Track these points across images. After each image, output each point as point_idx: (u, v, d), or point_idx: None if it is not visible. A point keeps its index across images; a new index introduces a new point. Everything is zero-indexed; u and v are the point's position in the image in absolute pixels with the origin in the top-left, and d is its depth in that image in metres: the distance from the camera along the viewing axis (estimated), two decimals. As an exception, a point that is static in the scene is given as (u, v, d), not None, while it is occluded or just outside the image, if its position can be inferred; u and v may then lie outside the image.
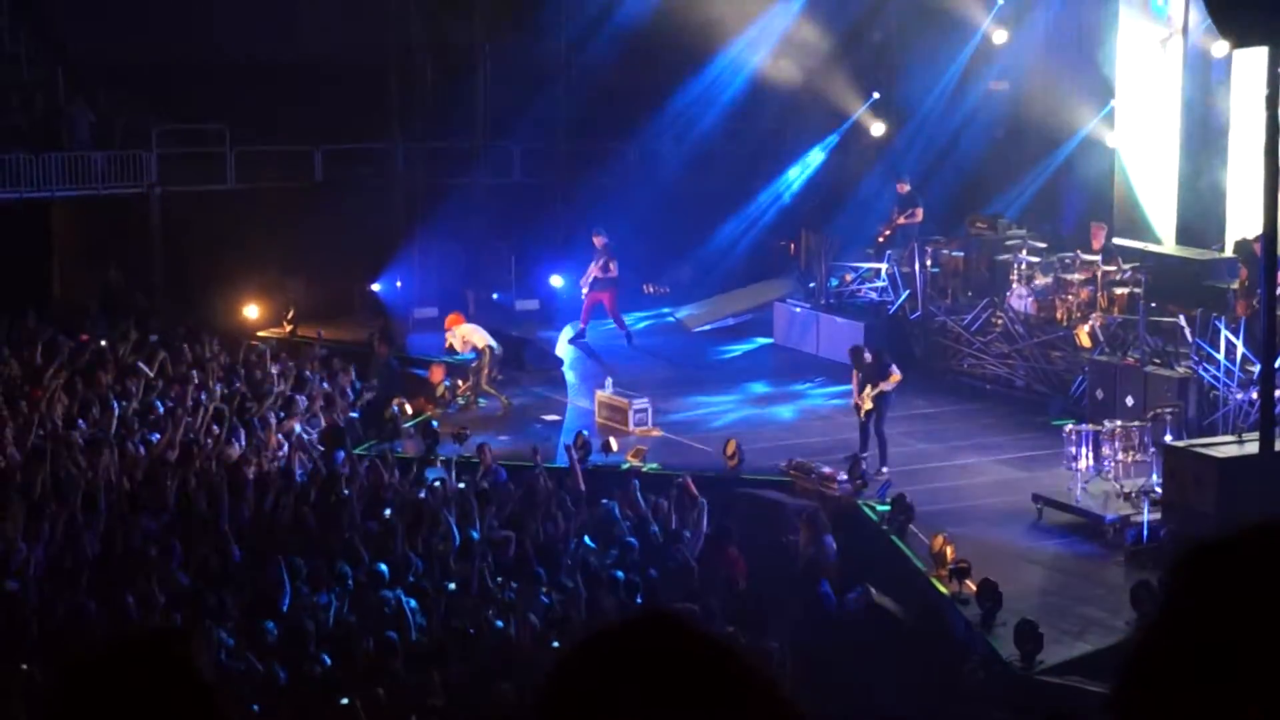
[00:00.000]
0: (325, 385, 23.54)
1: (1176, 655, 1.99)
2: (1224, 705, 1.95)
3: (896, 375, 20.52)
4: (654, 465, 20.80)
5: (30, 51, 31.06)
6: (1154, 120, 25.98)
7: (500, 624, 14.82)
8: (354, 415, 22.87)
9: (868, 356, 20.95)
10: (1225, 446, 17.97)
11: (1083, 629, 15.79)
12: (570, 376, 25.83)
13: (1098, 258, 23.88)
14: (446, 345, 25.19)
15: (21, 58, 31.04)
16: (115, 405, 21.22)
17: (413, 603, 15.09)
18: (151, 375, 22.72)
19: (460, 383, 24.59)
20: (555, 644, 14.48)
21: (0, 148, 29.11)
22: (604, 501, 18.20)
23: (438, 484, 19.12)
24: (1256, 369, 19.37)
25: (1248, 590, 1.99)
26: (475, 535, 17.02)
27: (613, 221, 28.48)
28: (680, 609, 2.15)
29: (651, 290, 29.97)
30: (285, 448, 20.54)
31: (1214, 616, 1.98)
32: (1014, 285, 24.58)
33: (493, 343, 24.62)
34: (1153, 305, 22.46)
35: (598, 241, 27.14)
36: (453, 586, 15.91)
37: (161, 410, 21.45)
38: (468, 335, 24.76)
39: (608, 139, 31.73)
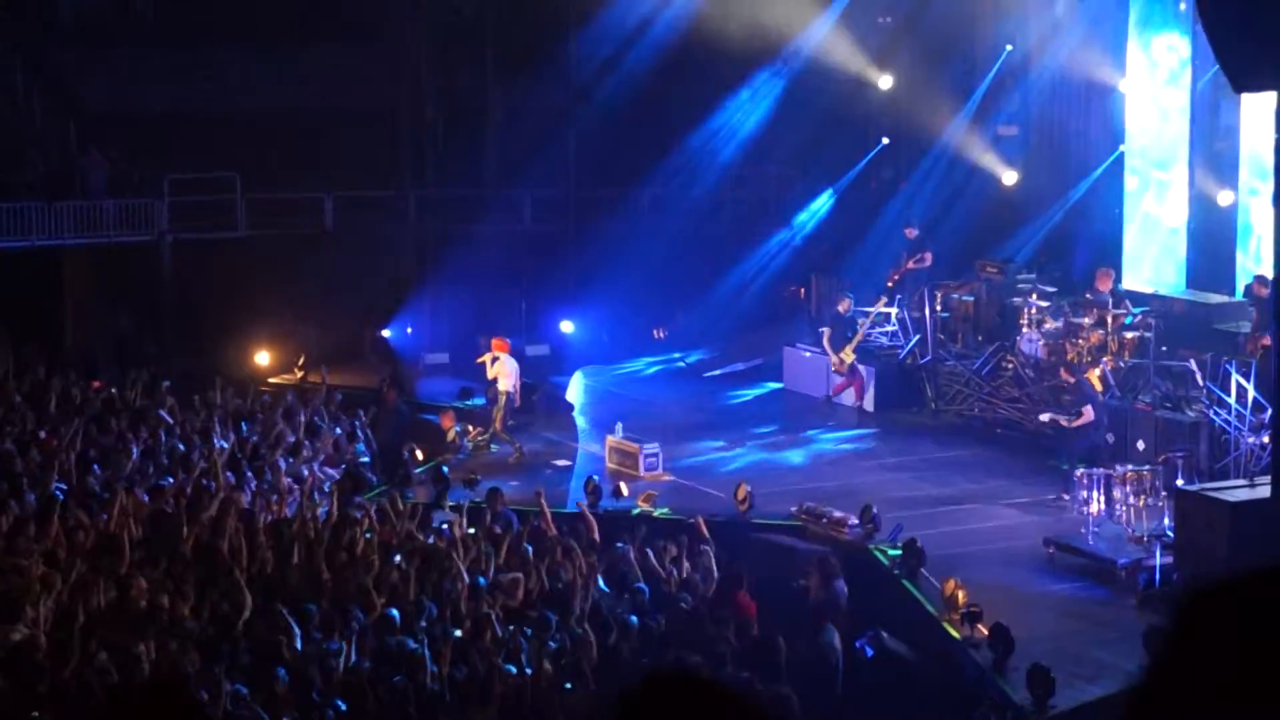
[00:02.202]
0: (337, 431, 23.56)
1: (1181, 697, 2.00)
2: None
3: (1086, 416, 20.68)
4: (665, 510, 20.78)
5: (44, 105, 31.22)
6: (1163, 164, 26.02)
7: (511, 669, 14.79)
8: (365, 461, 22.88)
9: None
10: (1237, 490, 17.93)
11: (1095, 673, 15.73)
12: (581, 421, 25.84)
13: (1108, 302, 23.88)
14: (480, 359, 25.14)
15: (35, 111, 31.20)
16: (135, 450, 21.26)
17: (424, 649, 15.06)
18: (172, 422, 22.77)
19: (470, 429, 24.61)
20: (568, 685, 14.51)
21: (14, 198, 29.24)
22: (618, 545, 18.18)
23: (448, 529, 19.12)
24: (1268, 413, 19.35)
25: (1252, 633, 2.00)
26: (485, 581, 17.00)
27: (623, 267, 28.54)
28: (691, 664, 2.15)
29: (662, 335, 30.04)
30: (297, 493, 20.54)
31: (1218, 659, 1.99)
32: (1024, 329, 24.57)
33: (514, 390, 24.64)
34: (1163, 349, 22.46)
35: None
36: (461, 633, 15.88)
37: (173, 456, 21.47)
38: (503, 368, 24.67)
39: (618, 185, 31.83)
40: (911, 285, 27.00)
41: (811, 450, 23.95)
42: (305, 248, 30.15)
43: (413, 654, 14.82)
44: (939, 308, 26.05)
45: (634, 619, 16.22)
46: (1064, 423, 21.16)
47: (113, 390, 24.61)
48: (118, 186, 30.30)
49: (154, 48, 31.36)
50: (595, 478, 21.14)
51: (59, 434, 21.88)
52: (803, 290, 29.68)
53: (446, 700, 14.16)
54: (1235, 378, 20.48)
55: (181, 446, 21.92)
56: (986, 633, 16.19)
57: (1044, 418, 21.77)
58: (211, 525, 18.40)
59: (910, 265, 27.29)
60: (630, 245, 30.09)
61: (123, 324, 29.89)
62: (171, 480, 20.43)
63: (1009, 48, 28.84)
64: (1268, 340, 21.04)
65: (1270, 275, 19.89)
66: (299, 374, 28.13)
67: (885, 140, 30.76)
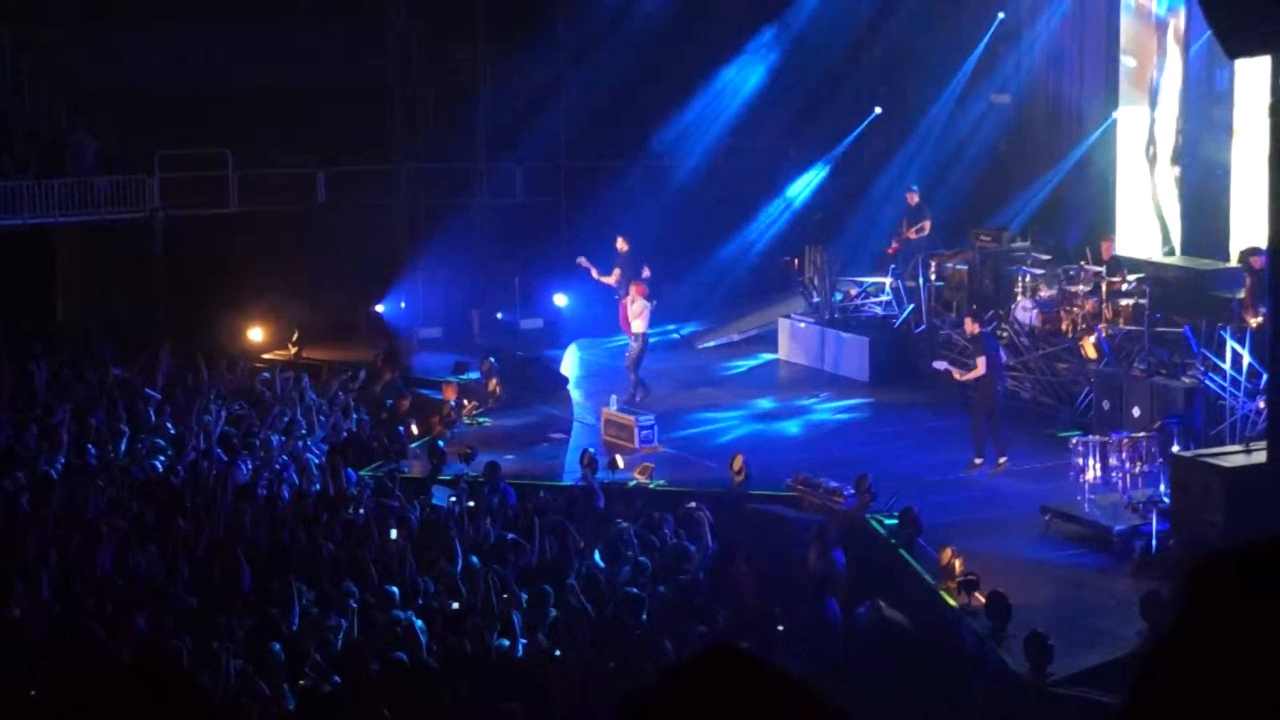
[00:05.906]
0: (335, 402, 23.54)
1: (1188, 668, 1.98)
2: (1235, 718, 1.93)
3: (979, 369, 20.57)
4: (660, 482, 20.78)
5: (33, 82, 31.11)
6: (1157, 130, 25.98)
7: (506, 643, 14.81)
8: (361, 436, 22.85)
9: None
10: (1232, 456, 17.93)
11: (1093, 640, 15.74)
12: (576, 394, 25.82)
13: (1102, 269, 23.88)
14: (627, 300, 24.88)
15: (24, 88, 31.08)
16: (124, 430, 21.22)
17: (420, 623, 15.07)
18: (160, 399, 22.74)
19: (465, 402, 24.59)
20: (557, 652, 14.57)
21: (5, 176, 29.15)
22: (618, 521, 18.17)
23: (449, 502, 19.13)
24: (1263, 379, 19.33)
25: (1259, 603, 1.98)
26: (480, 556, 16.99)
27: (616, 239, 28.47)
28: (741, 646, 2.09)
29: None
30: (293, 469, 20.52)
31: (1225, 629, 1.97)
32: (1019, 297, 24.56)
33: (649, 331, 24.57)
34: (1158, 316, 22.44)
35: None
36: (458, 606, 15.89)
37: (170, 434, 21.45)
38: (641, 310, 24.52)
39: (610, 158, 31.76)
40: (908, 254, 26.97)
41: (807, 420, 23.94)
42: (297, 223, 30.09)
43: (410, 629, 14.84)
44: (933, 276, 26.03)
45: (633, 590, 16.22)
46: (956, 375, 21.01)
47: (107, 368, 24.57)
48: (108, 163, 30.22)
49: (144, 24, 31.26)
50: (591, 450, 21.11)
51: (53, 413, 21.85)
52: (796, 261, 29.62)
53: (443, 675, 14.17)
54: (1230, 343, 20.48)
55: (178, 424, 21.89)
56: (984, 601, 16.20)
57: (939, 365, 21.65)
58: (208, 501, 18.42)
59: (910, 235, 27.26)
60: (623, 217, 30.03)
61: (115, 301, 29.84)
62: (167, 458, 20.43)
63: (1001, 15, 28.77)
64: (1259, 319, 21.07)
65: (1262, 244, 19.88)
66: (293, 350, 28.10)
67: (878, 110, 30.69)
